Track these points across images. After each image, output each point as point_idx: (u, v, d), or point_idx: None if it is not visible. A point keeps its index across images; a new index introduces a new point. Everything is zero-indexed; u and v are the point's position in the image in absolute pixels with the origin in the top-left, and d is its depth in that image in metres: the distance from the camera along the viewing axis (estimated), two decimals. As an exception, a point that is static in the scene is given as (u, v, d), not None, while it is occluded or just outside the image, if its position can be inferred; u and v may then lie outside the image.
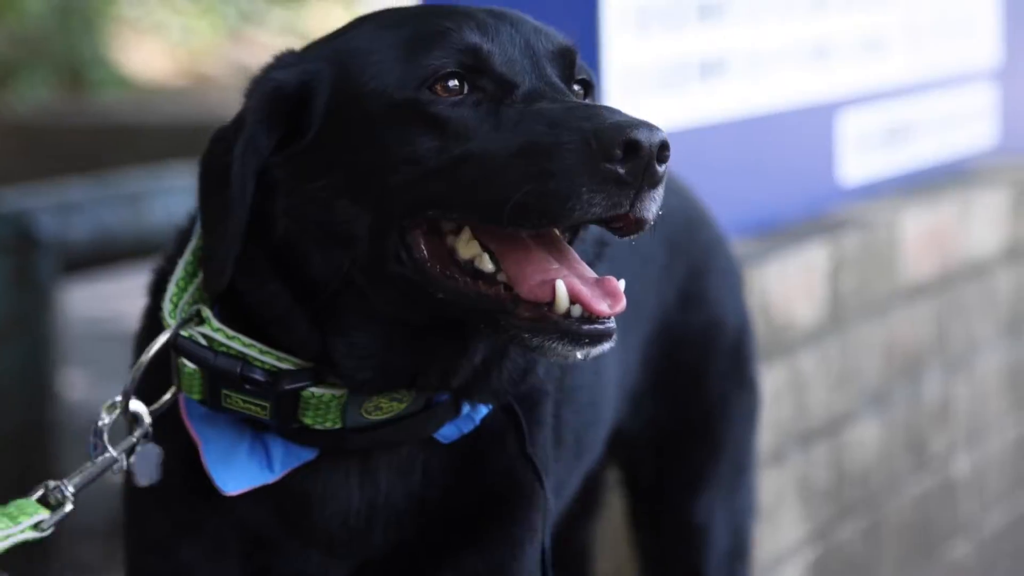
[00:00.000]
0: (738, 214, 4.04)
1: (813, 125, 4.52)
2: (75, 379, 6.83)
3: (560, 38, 2.37)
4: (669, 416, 3.20)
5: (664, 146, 2.14)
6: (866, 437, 4.33)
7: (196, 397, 2.32)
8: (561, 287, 2.18)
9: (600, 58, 3.76)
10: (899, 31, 4.89)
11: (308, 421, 2.32)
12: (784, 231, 4.24)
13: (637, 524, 3.36)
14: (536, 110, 2.21)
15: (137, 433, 2.35)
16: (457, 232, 2.26)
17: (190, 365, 2.31)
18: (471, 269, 2.24)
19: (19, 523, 2.26)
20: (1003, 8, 5.49)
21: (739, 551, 3.33)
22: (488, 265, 2.24)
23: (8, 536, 2.24)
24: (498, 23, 2.32)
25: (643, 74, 3.88)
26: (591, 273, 2.24)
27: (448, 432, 2.41)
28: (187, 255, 2.38)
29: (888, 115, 4.83)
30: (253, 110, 2.29)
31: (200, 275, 2.35)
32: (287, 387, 2.29)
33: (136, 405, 2.35)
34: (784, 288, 3.95)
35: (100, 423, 2.34)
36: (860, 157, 4.70)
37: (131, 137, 11.43)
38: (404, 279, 2.25)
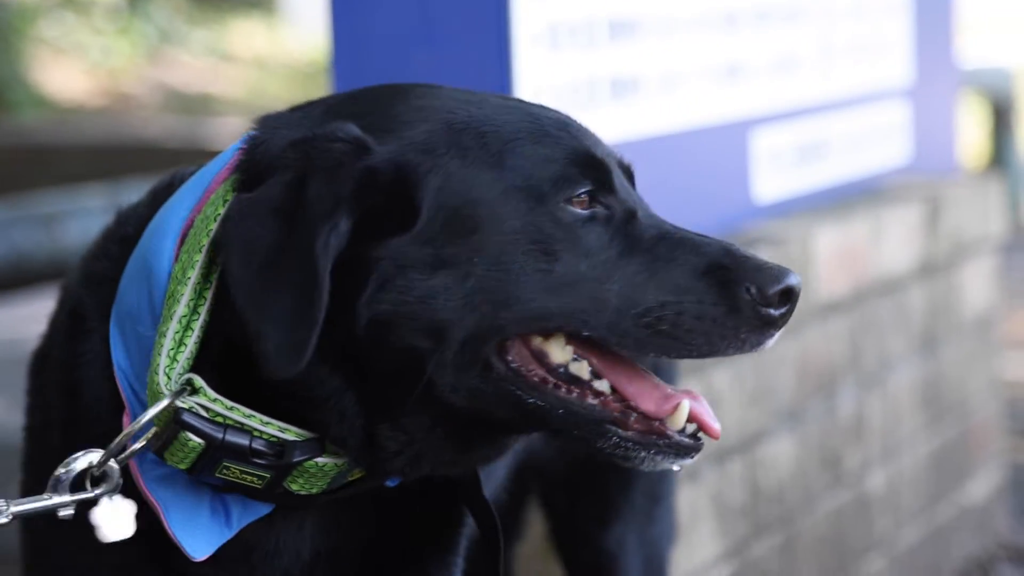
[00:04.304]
0: (651, 232, 4.05)
1: (726, 143, 4.54)
2: (-10, 402, 6.75)
3: (619, 153, 2.43)
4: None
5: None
6: (780, 454, 4.34)
7: (183, 467, 2.24)
8: (686, 407, 2.27)
9: (511, 76, 3.76)
10: (812, 49, 4.92)
11: (295, 488, 2.28)
12: (697, 249, 4.24)
13: (556, 550, 3.35)
14: (671, 240, 2.28)
15: (100, 490, 2.28)
16: (546, 336, 2.26)
17: (195, 439, 2.22)
18: (566, 375, 2.26)
19: None
20: (915, 27, 5.53)
21: None
22: (586, 373, 2.27)
23: None
24: (585, 132, 2.36)
25: (554, 92, 3.88)
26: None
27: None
28: (174, 323, 2.26)
29: (801, 133, 4.86)
30: (344, 197, 2.20)
31: (189, 343, 2.26)
32: (296, 459, 2.25)
33: (115, 469, 2.28)
34: (697, 305, 3.95)
35: (70, 466, 2.27)
36: (773, 175, 4.72)
37: (50, 158, 11.34)
38: (493, 383, 2.24)
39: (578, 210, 2.26)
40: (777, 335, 2.27)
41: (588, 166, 2.28)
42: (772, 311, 2.24)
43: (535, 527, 3.57)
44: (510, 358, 2.24)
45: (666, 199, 4.25)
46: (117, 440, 2.26)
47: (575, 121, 2.38)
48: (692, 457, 2.28)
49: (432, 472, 2.32)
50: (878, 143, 5.31)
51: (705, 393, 3.96)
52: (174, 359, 2.25)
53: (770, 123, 4.69)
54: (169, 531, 2.28)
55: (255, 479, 2.25)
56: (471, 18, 3.73)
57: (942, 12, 5.75)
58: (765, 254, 4.21)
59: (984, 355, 5.64)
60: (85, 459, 2.28)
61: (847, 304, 4.70)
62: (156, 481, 2.29)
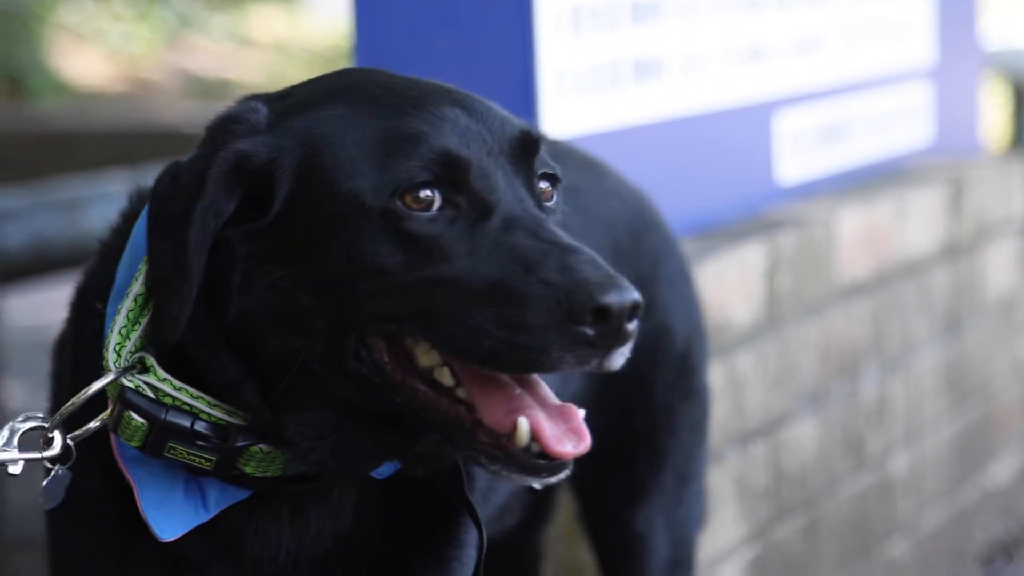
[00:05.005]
0: (674, 214, 4.03)
1: (749, 125, 4.53)
2: (14, 388, 6.77)
3: (526, 128, 2.32)
4: (613, 425, 3.16)
5: (635, 306, 2.14)
6: (803, 436, 4.34)
7: (135, 444, 2.26)
8: (524, 425, 2.18)
9: (534, 59, 3.76)
10: (835, 30, 4.91)
11: (249, 470, 2.28)
12: (720, 231, 4.24)
13: (585, 530, 3.35)
14: (511, 245, 2.17)
15: (48, 453, 2.31)
16: (415, 337, 2.22)
17: (138, 419, 2.24)
18: (430, 379, 2.21)
19: None
20: (938, 7, 5.51)
21: (680, 562, 3.31)
22: (448, 379, 2.21)
23: None
24: (470, 122, 2.26)
25: (577, 75, 3.87)
26: (553, 399, 2.23)
27: (384, 469, 2.37)
28: (128, 301, 2.29)
29: (824, 114, 4.84)
30: (215, 177, 2.21)
31: (144, 322, 2.29)
32: (238, 445, 2.26)
33: (58, 439, 2.30)
34: (721, 288, 3.95)
35: (16, 424, 2.31)
36: (796, 156, 4.71)
37: (71, 144, 11.35)
38: (363, 377, 2.22)
39: (416, 211, 2.19)
40: (615, 356, 2.16)
41: (440, 164, 2.21)
42: (585, 330, 2.12)
43: (563, 510, 3.57)
44: (376, 356, 2.21)
45: (689, 181, 4.26)
46: (62, 410, 2.30)
47: (467, 110, 2.28)
48: (544, 478, 2.19)
49: (368, 464, 2.31)
50: (901, 124, 5.29)
51: (728, 376, 3.96)
52: (126, 337, 2.28)
53: (793, 105, 4.68)
54: (140, 509, 2.29)
55: (202, 461, 2.26)
56: (494, 1, 3.73)
57: (965, -7, 5.74)
58: (788, 236, 4.23)
59: (1008, 337, 5.63)
60: (32, 423, 2.32)
61: (870, 286, 4.69)
62: (133, 460, 2.31)
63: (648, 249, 3.21)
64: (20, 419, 2.32)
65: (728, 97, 4.42)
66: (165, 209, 2.24)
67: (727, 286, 4.00)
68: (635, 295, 2.14)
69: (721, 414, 3.92)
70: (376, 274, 2.19)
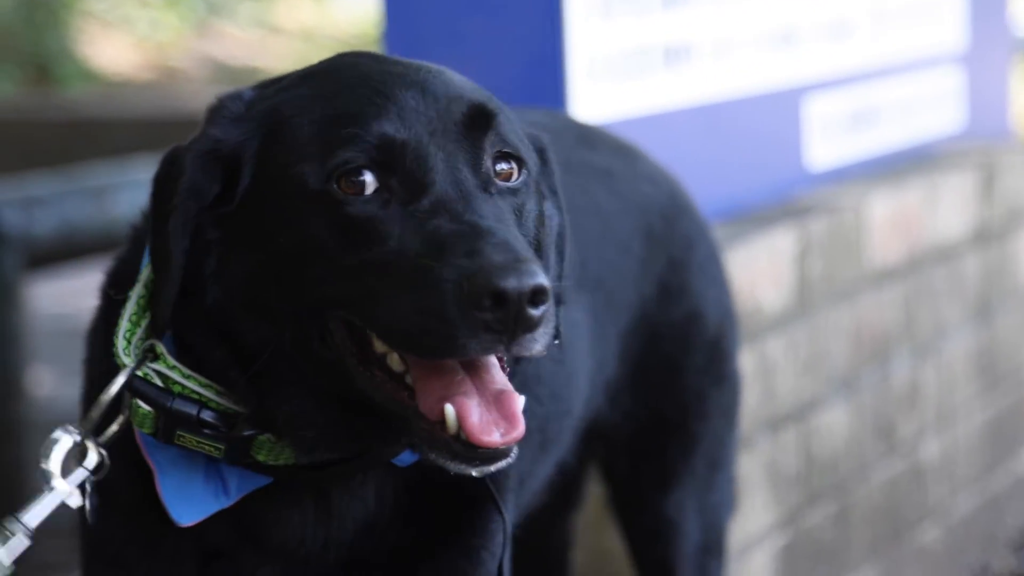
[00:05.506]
0: (704, 199, 4.02)
1: (779, 110, 4.51)
2: (42, 375, 6.78)
3: (477, 104, 2.26)
4: (645, 410, 3.17)
5: (537, 291, 2.07)
6: (834, 422, 4.32)
7: (147, 431, 2.27)
8: (450, 412, 2.14)
9: (564, 44, 3.75)
10: (865, 15, 4.89)
11: (261, 458, 2.28)
12: (751, 216, 4.22)
13: (615, 515, 3.35)
14: (433, 228, 2.14)
15: (89, 465, 2.30)
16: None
17: (145, 407, 2.25)
18: (384, 365, 2.20)
19: None
20: (968, -8, 5.49)
21: (711, 547, 3.30)
22: (397, 365, 2.19)
23: None
24: (420, 102, 2.22)
25: (607, 60, 3.86)
26: (499, 382, 2.19)
27: (406, 457, 2.37)
28: (139, 287, 2.31)
29: (855, 99, 4.82)
30: (191, 163, 2.22)
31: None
32: (244, 434, 2.26)
33: (92, 447, 2.30)
34: (751, 273, 3.94)
35: (52, 456, 2.30)
36: (826, 142, 4.69)
37: (99, 131, 11.36)
38: (330, 363, 2.21)
39: (351, 195, 2.18)
40: (524, 343, 2.09)
41: (376, 147, 2.18)
42: (485, 315, 2.06)
43: (592, 496, 3.56)
44: (338, 342, 2.20)
45: (719, 166, 4.25)
46: (90, 415, 2.29)
47: (422, 90, 2.24)
48: (478, 466, 2.15)
49: (367, 452, 2.30)
50: (931, 109, 5.27)
51: (759, 361, 3.94)
52: (136, 324, 2.29)
53: (823, 90, 4.66)
54: (159, 494, 2.30)
55: (211, 449, 2.26)
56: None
57: (996, -23, 5.71)
58: (819, 221, 4.22)
59: (1039, 323, 5.60)
60: (67, 441, 2.30)
61: (901, 272, 4.67)
62: (154, 445, 2.31)
63: (681, 233, 3.20)
64: (55, 438, 2.30)
65: (758, 82, 4.40)
66: (160, 193, 2.26)
67: (757, 271, 3.98)
68: (537, 280, 2.07)
69: (752, 400, 3.91)
70: (319, 258, 2.18)
